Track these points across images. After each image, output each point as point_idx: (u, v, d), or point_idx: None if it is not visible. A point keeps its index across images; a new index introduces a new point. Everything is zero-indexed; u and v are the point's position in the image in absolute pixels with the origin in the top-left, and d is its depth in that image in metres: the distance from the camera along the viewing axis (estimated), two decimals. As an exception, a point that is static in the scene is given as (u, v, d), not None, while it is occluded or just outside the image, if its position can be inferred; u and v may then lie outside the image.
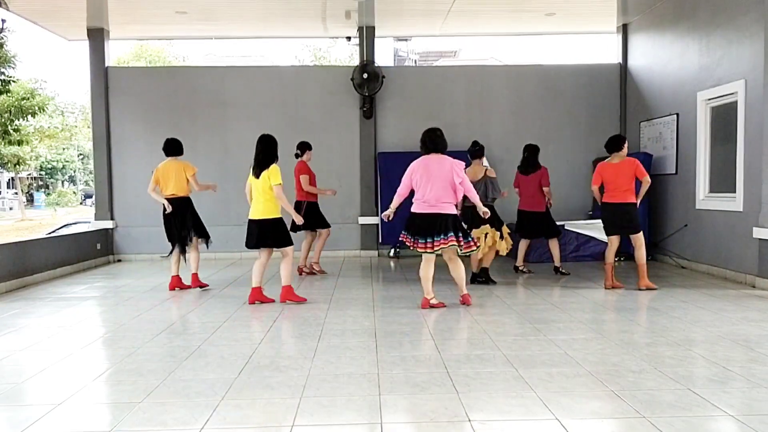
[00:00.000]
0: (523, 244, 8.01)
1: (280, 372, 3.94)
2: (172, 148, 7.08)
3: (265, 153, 6.11)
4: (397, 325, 5.19)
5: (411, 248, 5.82)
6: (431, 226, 5.64)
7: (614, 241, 6.77)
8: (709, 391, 3.47)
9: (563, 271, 7.81)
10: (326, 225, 8.19)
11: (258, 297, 6.19)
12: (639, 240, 6.66)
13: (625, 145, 6.76)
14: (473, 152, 7.17)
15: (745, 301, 6.10)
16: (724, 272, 7.51)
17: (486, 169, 7.04)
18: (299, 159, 7.99)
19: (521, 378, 3.74)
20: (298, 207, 7.61)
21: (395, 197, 5.88)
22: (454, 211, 5.75)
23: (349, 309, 5.92)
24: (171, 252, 7.05)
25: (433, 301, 5.85)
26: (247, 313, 5.79)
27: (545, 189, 7.77)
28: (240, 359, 4.22)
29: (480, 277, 7.11)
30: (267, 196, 6.04)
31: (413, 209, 5.76)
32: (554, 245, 7.87)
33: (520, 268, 8.03)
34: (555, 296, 6.46)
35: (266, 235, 6.07)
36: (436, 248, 5.64)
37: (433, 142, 5.76)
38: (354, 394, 3.50)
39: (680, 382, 3.64)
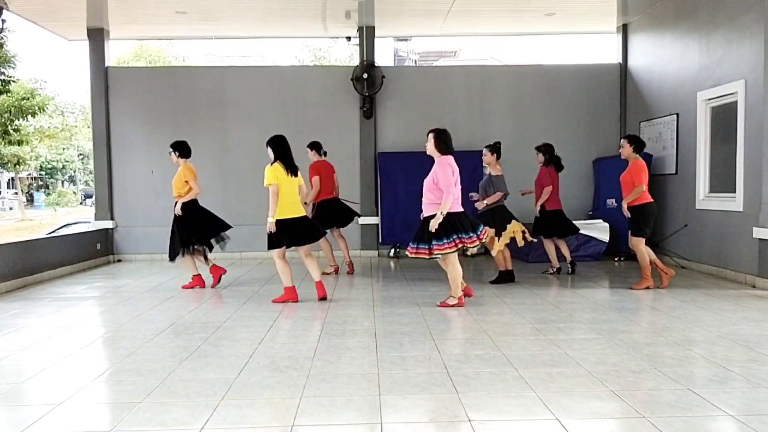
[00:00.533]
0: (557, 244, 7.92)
1: (280, 372, 3.94)
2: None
3: (291, 156, 6.32)
4: (397, 325, 5.19)
5: (466, 246, 5.69)
6: (470, 222, 5.82)
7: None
8: (709, 391, 3.47)
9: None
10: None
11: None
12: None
13: None
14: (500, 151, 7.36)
15: (745, 301, 6.10)
16: (724, 272, 7.51)
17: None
18: (324, 158, 8.03)
19: (521, 378, 3.74)
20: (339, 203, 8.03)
21: (449, 198, 5.60)
22: None
23: (349, 309, 5.92)
24: (207, 253, 7.26)
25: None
26: (247, 313, 5.79)
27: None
28: (240, 359, 4.22)
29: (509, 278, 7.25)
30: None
31: (453, 210, 5.67)
32: (564, 243, 7.89)
33: (553, 270, 7.90)
34: (555, 296, 6.46)
35: (316, 228, 6.39)
36: (482, 239, 5.80)
37: (450, 143, 5.84)
38: (354, 394, 3.50)
39: (680, 382, 3.64)
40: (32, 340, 4.92)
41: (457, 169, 5.78)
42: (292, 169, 6.17)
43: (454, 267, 5.79)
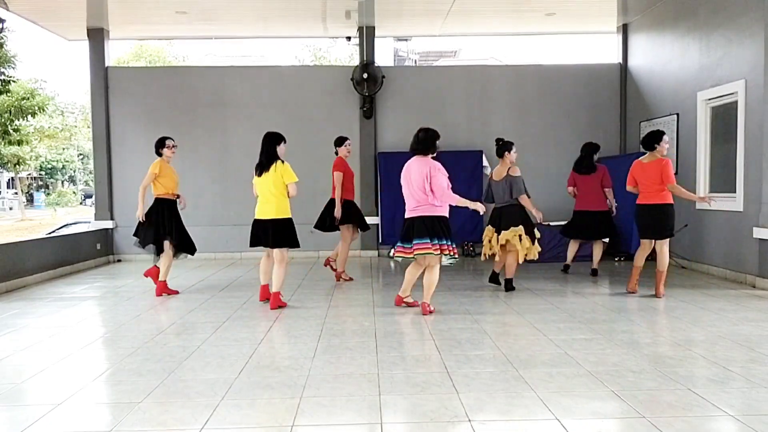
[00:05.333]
0: (574, 245, 7.97)
1: (280, 372, 3.94)
2: None
3: (268, 152, 6.01)
4: (397, 325, 5.19)
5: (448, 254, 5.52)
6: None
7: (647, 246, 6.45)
8: (709, 391, 3.47)
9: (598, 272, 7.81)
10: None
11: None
12: (662, 247, 6.29)
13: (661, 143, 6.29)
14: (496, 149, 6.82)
15: (745, 301, 6.10)
16: (724, 272, 7.51)
17: (509, 168, 6.61)
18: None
19: (521, 378, 3.74)
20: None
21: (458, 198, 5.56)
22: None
23: (349, 309, 5.92)
24: (160, 254, 6.84)
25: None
26: (247, 313, 5.79)
27: (606, 189, 7.63)
28: (240, 359, 4.22)
29: (497, 282, 6.93)
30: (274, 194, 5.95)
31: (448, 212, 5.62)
32: (599, 247, 7.81)
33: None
34: (555, 296, 6.45)
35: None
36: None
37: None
38: (354, 394, 3.50)
39: (680, 382, 3.64)
40: (32, 340, 4.92)
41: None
42: (258, 169, 6.09)
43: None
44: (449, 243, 5.50)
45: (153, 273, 6.88)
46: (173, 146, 6.89)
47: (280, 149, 6.02)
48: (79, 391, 3.66)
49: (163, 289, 6.79)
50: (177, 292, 6.93)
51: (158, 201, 6.81)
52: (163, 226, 6.72)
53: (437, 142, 5.58)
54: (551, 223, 9.54)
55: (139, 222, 6.82)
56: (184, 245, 6.91)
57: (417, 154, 5.63)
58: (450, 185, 5.48)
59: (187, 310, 6.03)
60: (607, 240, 8.06)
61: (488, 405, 3.32)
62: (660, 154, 6.31)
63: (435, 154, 5.61)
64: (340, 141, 7.63)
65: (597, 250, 7.80)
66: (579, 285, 7.13)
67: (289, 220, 6.02)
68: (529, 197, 6.54)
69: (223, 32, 11.58)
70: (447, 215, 5.57)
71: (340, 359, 4.19)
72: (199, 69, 11.23)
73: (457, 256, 5.59)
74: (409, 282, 5.85)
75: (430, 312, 5.58)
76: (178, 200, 6.89)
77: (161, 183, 6.79)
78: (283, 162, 5.94)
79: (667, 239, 6.32)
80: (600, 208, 7.60)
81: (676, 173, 8.63)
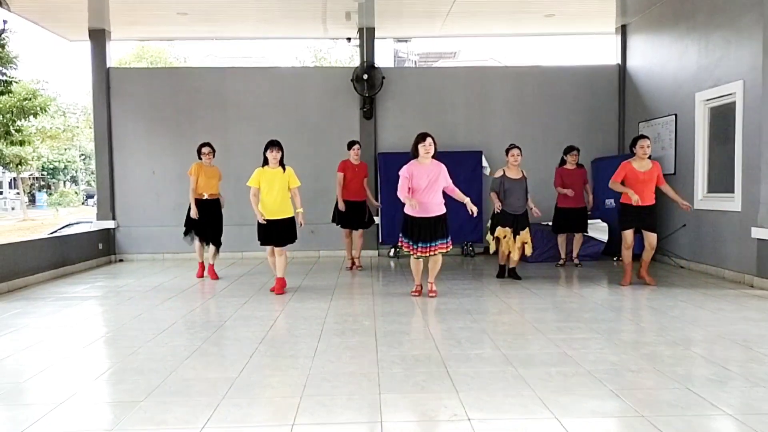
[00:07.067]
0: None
1: (280, 371, 3.96)
2: None
3: None
4: (397, 325, 5.21)
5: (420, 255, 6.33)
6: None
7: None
8: (708, 391, 3.49)
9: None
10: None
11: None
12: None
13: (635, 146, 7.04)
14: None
15: (743, 300, 6.12)
16: (723, 272, 7.53)
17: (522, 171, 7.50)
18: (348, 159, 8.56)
19: (520, 377, 3.75)
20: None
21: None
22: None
23: (350, 308, 5.94)
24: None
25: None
26: (247, 313, 5.81)
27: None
28: (241, 358, 4.24)
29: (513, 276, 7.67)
30: None
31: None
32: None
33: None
34: (554, 296, 6.47)
35: None
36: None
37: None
38: (354, 393, 3.52)
39: (679, 381, 3.65)
40: (33, 339, 4.94)
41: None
42: None
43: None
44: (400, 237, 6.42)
45: (209, 270, 7.99)
46: (207, 152, 7.80)
47: (268, 154, 6.60)
48: (81, 390, 3.68)
49: (210, 273, 7.97)
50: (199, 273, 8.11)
51: (195, 201, 7.69)
52: (197, 226, 7.70)
53: (419, 145, 6.27)
54: (550, 223, 9.55)
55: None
56: (210, 239, 7.83)
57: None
58: (404, 187, 6.23)
59: (188, 309, 6.06)
60: (577, 234, 8.76)
61: (487, 404, 3.34)
62: (639, 158, 6.97)
63: (417, 157, 6.34)
64: (348, 145, 8.50)
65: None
66: (579, 285, 7.15)
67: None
68: (496, 195, 7.36)
69: (224, 33, 11.59)
70: (406, 213, 6.33)
71: (340, 358, 4.22)
72: (200, 70, 11.25)
73: (406, 250, 6.37)
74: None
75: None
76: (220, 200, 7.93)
77: (198, 184, 7.67)
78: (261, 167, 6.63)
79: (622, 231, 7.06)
80: None
81: (674, 173, 8.73)
